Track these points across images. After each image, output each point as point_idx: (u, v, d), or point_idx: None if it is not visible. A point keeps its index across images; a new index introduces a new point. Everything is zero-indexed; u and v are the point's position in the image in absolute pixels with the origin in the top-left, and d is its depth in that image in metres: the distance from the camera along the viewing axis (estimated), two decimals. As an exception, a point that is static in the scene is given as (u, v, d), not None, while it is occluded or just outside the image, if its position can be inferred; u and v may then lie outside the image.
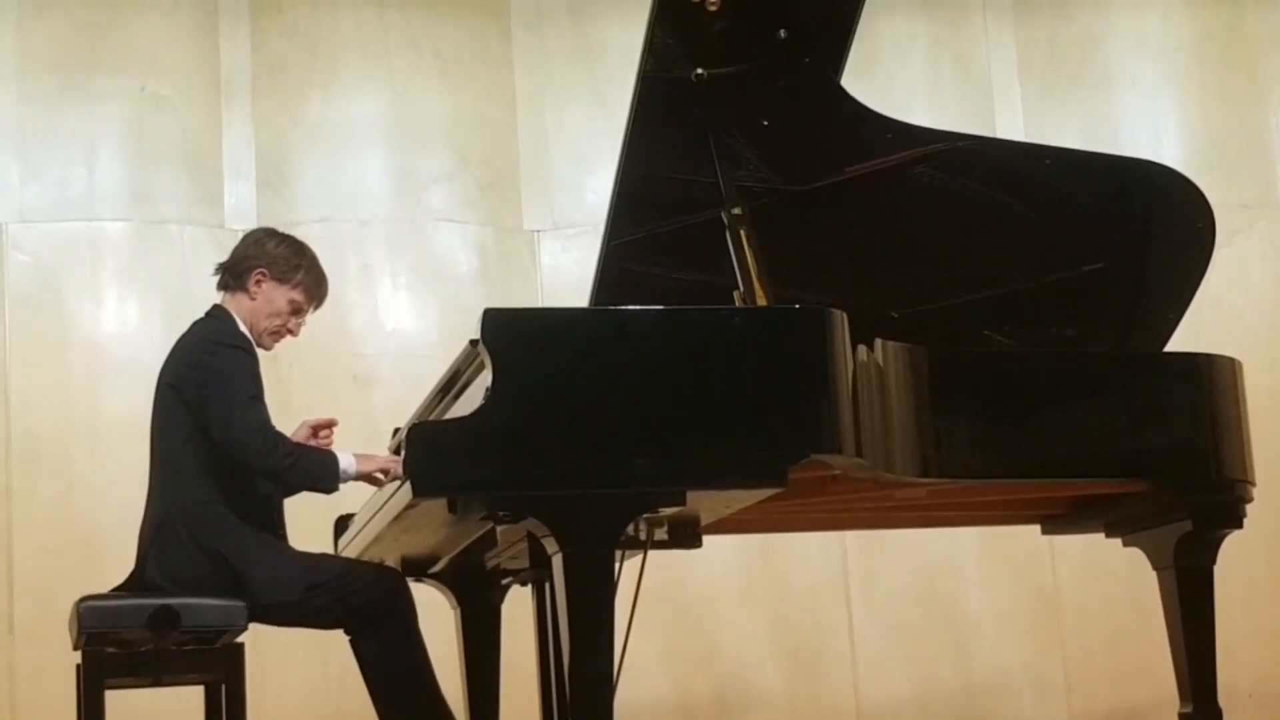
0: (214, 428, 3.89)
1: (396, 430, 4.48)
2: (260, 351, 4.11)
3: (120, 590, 3.98)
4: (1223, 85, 6.72)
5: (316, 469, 3.88)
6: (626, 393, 3.52)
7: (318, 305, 4.23)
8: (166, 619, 3.77)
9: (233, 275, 4.15)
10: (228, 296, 4.15)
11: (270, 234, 4.24)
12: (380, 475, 3.90)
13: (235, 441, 3.85)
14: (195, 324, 4.14)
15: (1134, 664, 6.10)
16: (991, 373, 4.18)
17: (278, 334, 4.17)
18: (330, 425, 4.19)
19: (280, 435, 3.93)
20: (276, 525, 4.07)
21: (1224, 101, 6.70)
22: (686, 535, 3.99)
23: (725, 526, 4.21)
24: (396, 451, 4.16)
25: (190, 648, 3.88)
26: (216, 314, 4.14)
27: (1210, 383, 4.34)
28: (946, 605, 6.32)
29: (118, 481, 5.64)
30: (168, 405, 4.02)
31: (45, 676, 5.47)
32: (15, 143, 6.13)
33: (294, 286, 4.14)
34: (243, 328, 4.08)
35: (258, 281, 4.11)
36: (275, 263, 4.12)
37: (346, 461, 3.88)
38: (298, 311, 4.17)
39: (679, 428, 3.52)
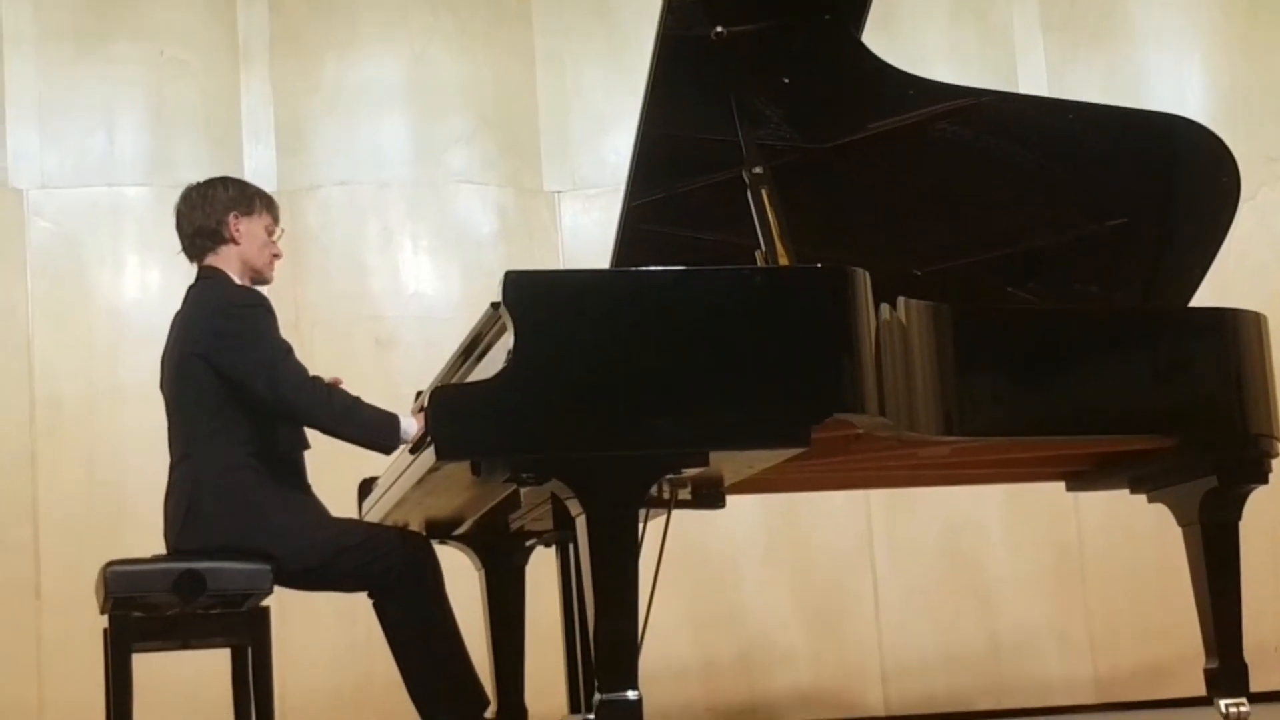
0: (260, 386, 3.91)
1: (419, 394, 4.48)
2: (272, 295, 4.15)
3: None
4: (1247, 38, 6.66)
5: (377, 424, 3.91)
6: (648, 354, 3.52)
7: (279, 220, 4.29)
8: (192, 583, 3.79)
9: (208, 236, 4.17)
10: (211, 256, 4.17)
11: (206, 184, 4.25)
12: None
13: (286, 396, 3.89)
14: (193, 291, 4.14)
15: (1159, 621, 6.09)
16: (1015, 330, 4.16)
17: (271, 261, 4.22)
18: (334, 384, 4.17)
19: (332, 386, 3.97)
20: (304, 488, 4.08)
21: (1248, 54, 6.64)
22: (710, 496, 4.00)
23: (748, 486, 4.20)
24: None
25: (216, 611, 3.90)
26: (210, 275, 4.14)
27: (1235, 338, 4.32)
28: (970, 564, 6.32)
29: (142, 446, 5.65)
30: (195, 375, 4.01)
31: (73, 641, 5.50)
32: (35, 110, 6.13)
33: (260, 213, 4.20)
34: (240, 281, 4.12)
35: (235, 226, 4.15)
36: (236, 202, 4.18)
37: (407, 423, 3.90)
38: (272, 233, 4.23)
39: (701, 388, 3.51)
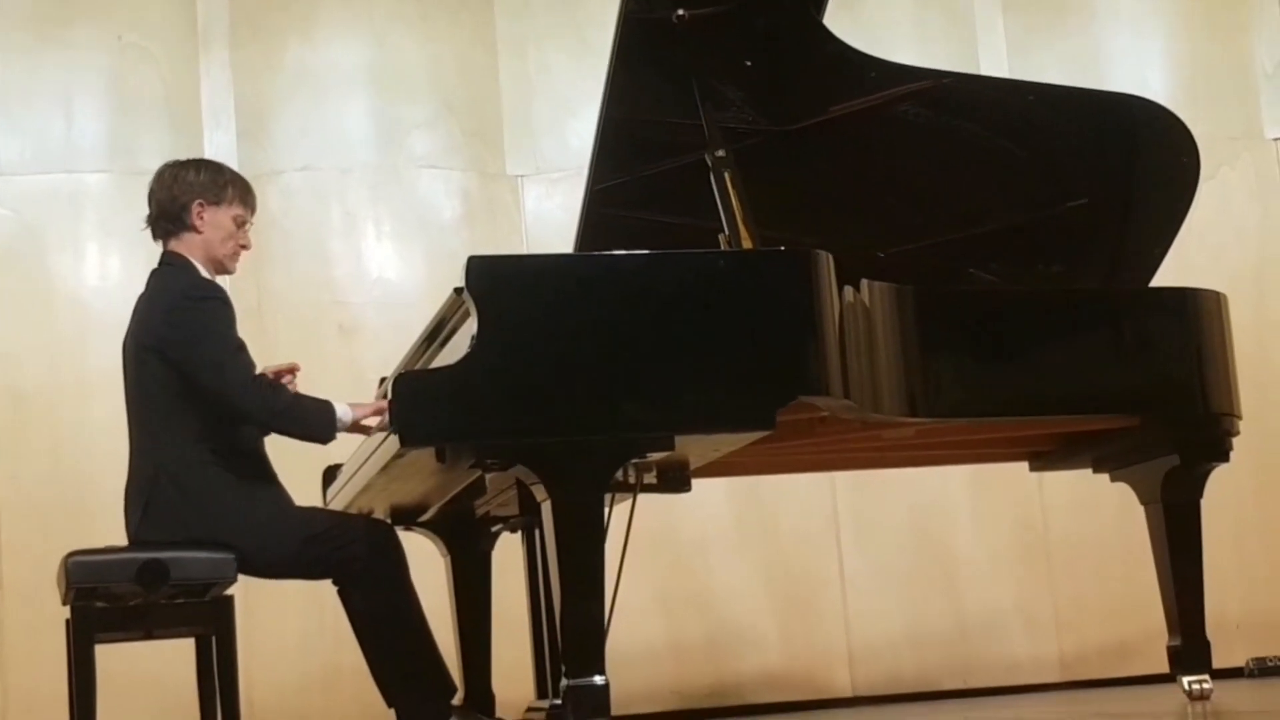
0: (206, 382, 3.86)
1: (383, 379, 4.47)
2: (233, 289, 4.09)
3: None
4: (1208, 18, 6.68)
5: (313, 417, 3.86)
6: (612, 338, 3.52)
7: (255, 208, 4.20)
8: (155, 573, 3.77)
9: (171, 220, 4.09)
10: (174, 241, 4.09)
11: (182, 165, 4.17)
12: (370, 423, 3.88)
13: (230, 394, 3.83)
14: (154, 277, 4.08)
15: (1123, 600, 6.12)
16: (978, 311, 4.18)
17: (235, 253, 4.14)
18: (292, 370, 4.14)
19: (274, 383, 3.92)
20: (267, 477, 4.03)
21: (1209, 35, 6.67)
22: (675, 479, 4.01)
23: (714, 470, 4.21)
24: (383, 401, 4.14)
25: (180, 601, 3.88)
26: (173, 261, 4.07)
27: (1196, 317, 4.35)
28: (936, 545, 6.34)
29: (106, 435, 5.58)
30: (149, 366, 3.97)
31: (35, 632, 5.46)
32: (-7, 95, 6.09)
33: (230, 203, 4.08)
34: (203, 270, 4.04)
35: (199, 214, 4.06)
36: (206, 190, 4.08)
37: (342, 410, 3.87)
38: (243, 224, 4.13)
39: (666, 372, 3.52)
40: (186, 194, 4.07)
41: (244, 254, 4.18)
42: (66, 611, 3.93)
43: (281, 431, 3.92)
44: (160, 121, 6.14)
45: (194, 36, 6.25)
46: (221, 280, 4.12)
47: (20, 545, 5.74)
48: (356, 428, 3.90)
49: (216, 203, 4.07)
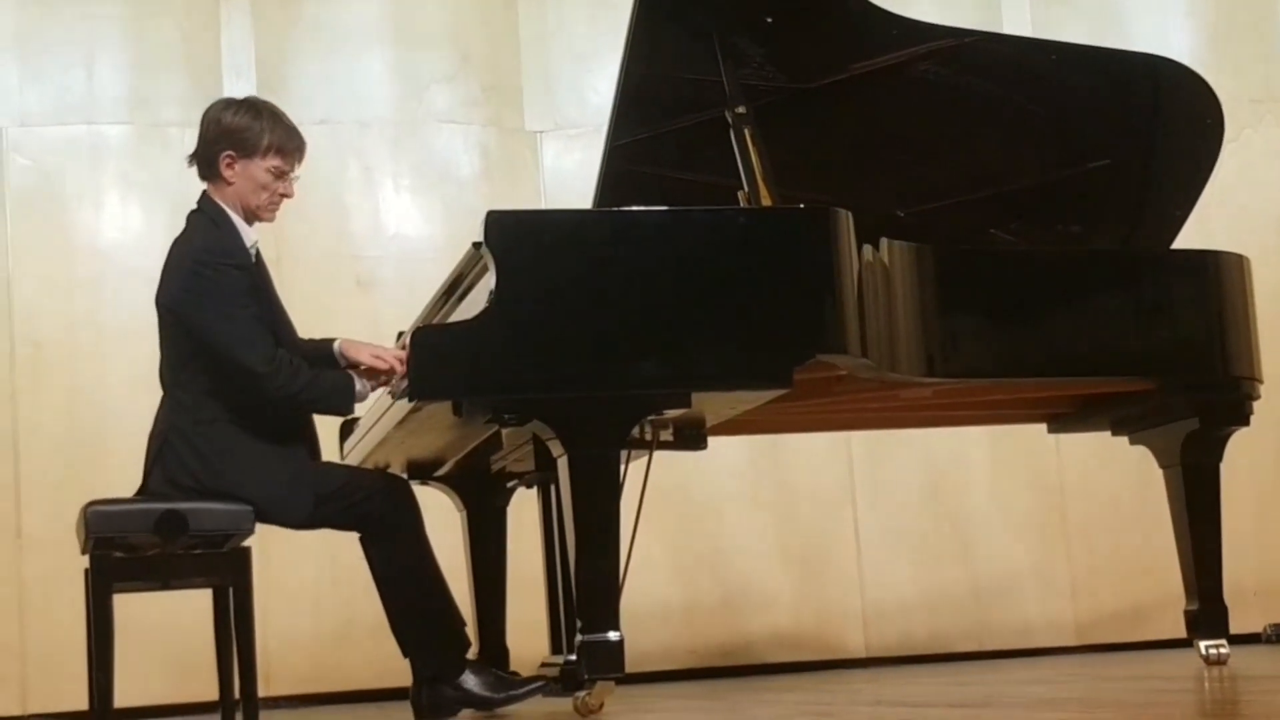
0: (220, 355, 3.82)
1: (400, 334, 4.47)
2: (264, 229, 4.06)
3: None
4: (1232, -22, 6.64)
5: (334, 396, 3.86)
6: (630, 294, 3.51)
7: (300, 157, 4.04)
8: (174, 523, 3.77)
9: (205, 165, 3.99)
10: (210, 186, 3.99)
11: (226, 105, 4.03)
12: (387, 377, 3.88)
13: (244, 372, 3.80)
14: (186, 223, 4.00)
15: (1140, 563, 6.12)
16: (997, 271, 4.17)
17: (273, 204, 4.01)
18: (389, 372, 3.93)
19: (288, 359, 3.84)
20: (286, 432, 3.94)
21: (1233, -5, 6.62)
22: (692, 437, 4.00)
23: (731, 428, 4.21)
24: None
25: (198, 552, 3.89)
26: (205, 208, 3.98)
27: (1218, 280, 4.33)
28: (952, 506, 6.33)
29: (123, 385, 5.64)
30: (166, 325, 3.95)
31: (54, 581, 5.49)
32: (14, 47, 6.07)
33: (265, 155, 3.94)
34: (236, 218, 3.96)
35: (228, 165, 3.94)
36: (238, 139, 3.94)
37: (361, 385, 3.87)
38: (282, 175, 3.98)
39: (683, 329, 3.51)
40: (219, 143, 3.95)
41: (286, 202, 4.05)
42: (85, 561, 3.94)
43: (301, 409, 3.91)
44: (180, 74, 6.14)
45: (214, -11, 6.24)
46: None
47: (38, 495, 5.76)
48: (374, 383, 3.90)
49: (249, 155, 3.93)
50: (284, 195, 4.02)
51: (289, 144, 3.99)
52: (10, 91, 6.04)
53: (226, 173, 3.95)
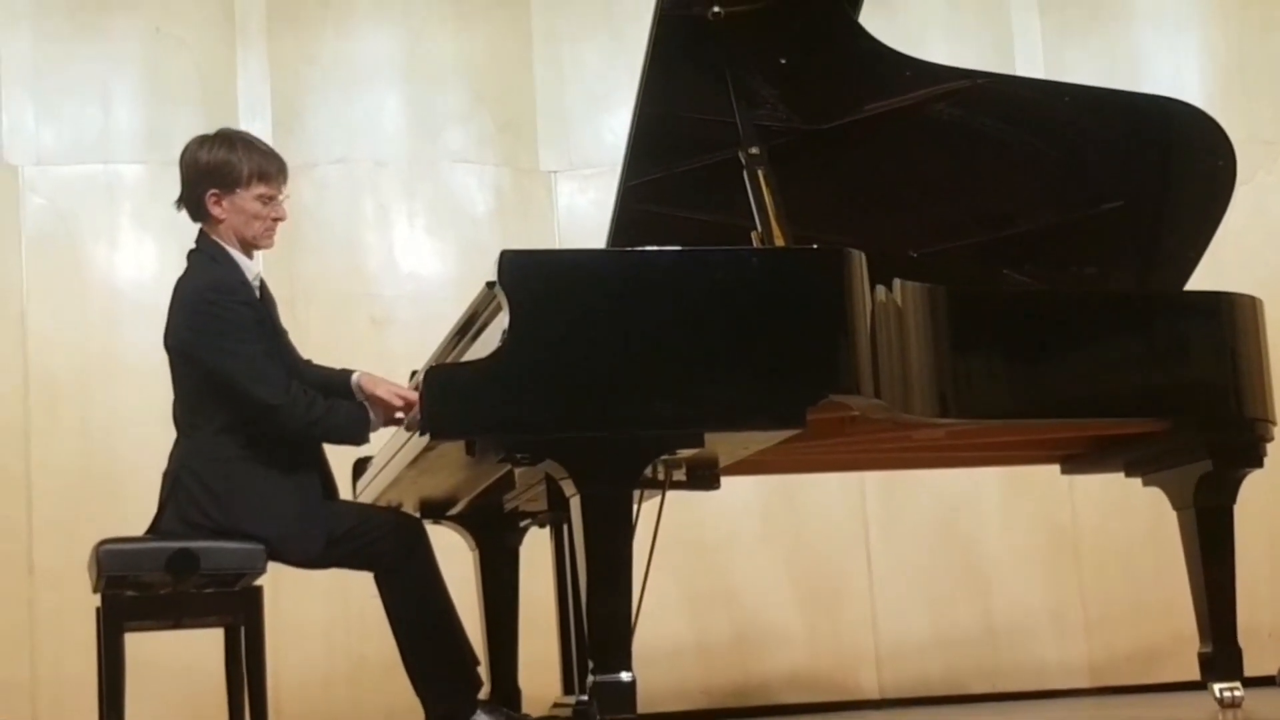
0: (233, 391, 3.82)
1: (414, 373, 4.47)
2: (265, 280, 4.05)
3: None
4: (1245, 19, 6.64)
5: (348, 423, 3.87)
6: (644, 334, 3.51)
7: (284, 178, 4.00)
8: (185, 562, 3.77)
9: (193, 207, 3.98)
10: (204, 224, 3.98)
11: (200, 144, 4.00)
12: (401, 415, 3.88)
13: (258, 405, 3.80)
14: (188, 264, 3.99)
15: (1153, 604, 6.09)
16: (1011, 312, 4.17)
17: (269, 231, 3.98)
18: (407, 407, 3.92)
19: (302, 390, 3.84)
20: (299, 470, 3.93)
21: (1246, 36, 6.63)
22: (704, 477, 4.00)
23: (744, 468, 4.20)
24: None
25: (209, 590, 3.89)
26: (203, 247, 3.97)
27: (1231, 321, 4.32)
28: (966, 545, 6.31)
29: (136, 422, 5.65)
30: (176, 366, 3.96)
31: (65, 617, 5.48)
32: (31, 85, 6.10)
33: (249, 184, 3.93)
34: (235, 253, 3.94)
35: (215, 202, 3.93)
36: (218, 175, 3.92)
37: (376, 414, 3.88)
38: (270, 200, 3.96)
39: (697, 369, 3.51)
40: (201, 183, 3.94)
41: (280, 227, 4.03)
42: (97, 597, 3.94)
43: (316, 439, 3.92)
44: (196, 113, 6.15)
45: (230, 28, 6.27)
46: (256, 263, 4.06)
47: (52, 530, 5.77)
48: (388, 420, 3.91)
49: (233, 189, 3.92)
50: (277, 219, 4.00)
51: (269, 168, 3.97)
52: (26, 130, 6.07)
53: (215, 210, 3.95)
